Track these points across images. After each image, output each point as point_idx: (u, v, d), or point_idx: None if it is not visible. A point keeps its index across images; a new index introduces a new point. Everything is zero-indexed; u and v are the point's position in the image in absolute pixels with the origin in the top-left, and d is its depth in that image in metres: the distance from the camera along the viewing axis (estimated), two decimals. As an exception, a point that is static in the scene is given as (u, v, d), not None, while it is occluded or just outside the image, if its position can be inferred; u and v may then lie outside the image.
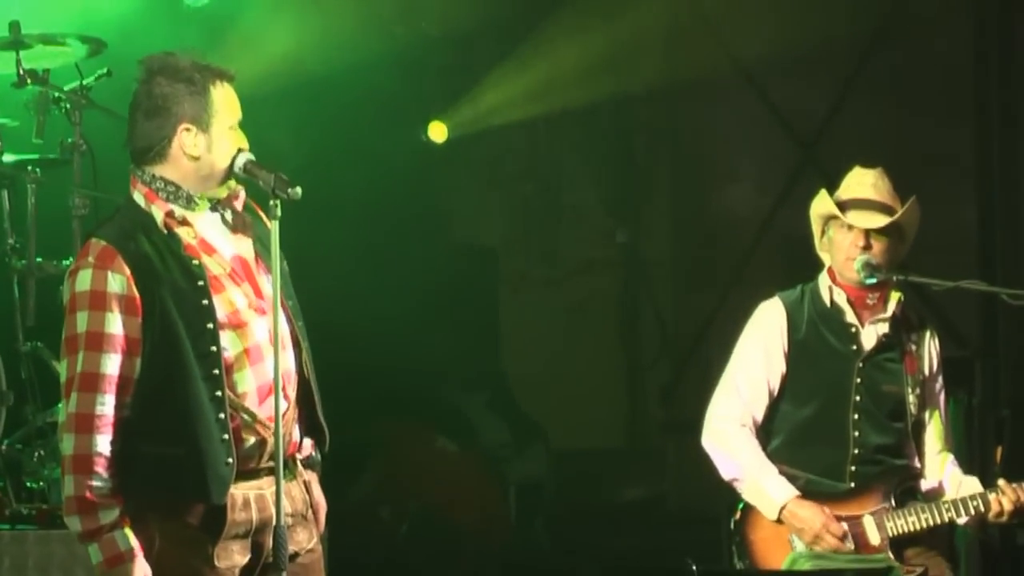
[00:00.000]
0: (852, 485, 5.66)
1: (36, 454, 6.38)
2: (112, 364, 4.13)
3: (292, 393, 4.31)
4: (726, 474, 5.74)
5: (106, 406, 4.12)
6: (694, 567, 5.36)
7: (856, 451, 5.68)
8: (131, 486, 4.15)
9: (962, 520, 5.64)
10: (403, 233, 8.97)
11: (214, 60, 4.33)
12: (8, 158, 6.61)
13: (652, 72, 9.28)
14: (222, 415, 4.15)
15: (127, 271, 4.15)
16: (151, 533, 4.17)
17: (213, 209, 4.32)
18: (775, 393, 5.76)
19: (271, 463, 4.19)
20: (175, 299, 4.16)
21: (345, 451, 4.58)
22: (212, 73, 4.27)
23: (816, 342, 5.74)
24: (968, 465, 6.07)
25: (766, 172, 9.35)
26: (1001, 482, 5.62)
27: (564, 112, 9.24)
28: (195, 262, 4.21)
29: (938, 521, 5.59)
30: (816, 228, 5.81)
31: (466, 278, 9.48)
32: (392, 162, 8.79)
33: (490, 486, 9.17)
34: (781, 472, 5.66)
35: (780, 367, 5.75)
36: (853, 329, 5.73)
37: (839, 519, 5.58)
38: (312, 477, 4.42)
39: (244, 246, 4.34)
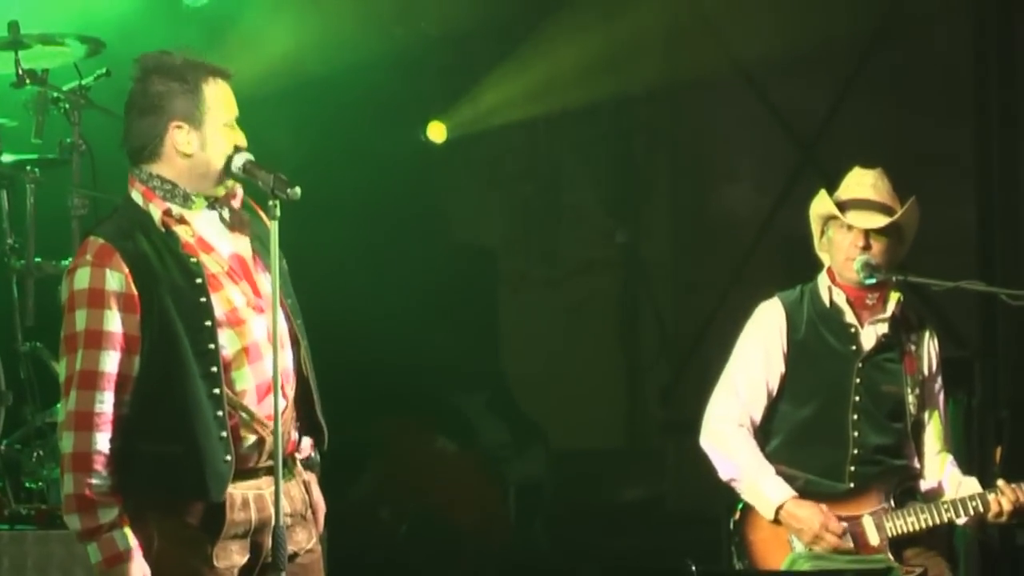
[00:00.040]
0: (851, 485, 5.66)
1: (35, 454, 6.38)
2: (111, 362, 4.13)
3: (290, 392, 4.31)
4: (724, 474, 5.74)
5: (105, 404, 4.13)
6: (693, 568, 5.36)
7: (855, 451, 5.68)
8: (130, 484, 4.15)
9: (961, 520, 5.64)
10: (402, 233, 8.96)
11: (213, 60, 4.33)
12: (7, 158, 6.61)
13: (652, 72, 9.28)
14: (220, 412, 4.15)
15: (125, 269, 4.15)
16: (150, 532, 4.17)
17: (211, 208, 4.32)
18: (774, 393, 5.76)
19: (270, 462, 4.19)
20: (173, 297, 4.16)
21: (345, 451, 4.58)
22: (205, 70, 4.26)
23: (815, 342, 5.74)
24: (967, 465, 6.07)
25: (766, 172, 9.35)
26: (1000, 482, 5.62)
27: (564, 112, 9.23)
28: (193, 260, 4.21)
29: (937, 521, 5.60)
30: (815, 228, 5.81)
31: (466, 278, 9.47)
32: (391, 162, 8.78)
33: (490, 486, 9.17)
34: (780, 472, 5.66)
35: (779, 367, 5.75)
36: (852, 329, 5.73)
37: (837, 519, 5.58)
38: (311, 478, 4.42)
39: (242, 244, 4.34)
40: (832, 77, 9.14)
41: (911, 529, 5.60)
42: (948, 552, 5.78)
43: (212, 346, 4.17)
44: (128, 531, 4.14)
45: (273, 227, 4.19)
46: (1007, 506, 5.57)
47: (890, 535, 5.59)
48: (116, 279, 4.15)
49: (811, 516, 5.57)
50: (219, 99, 4.26)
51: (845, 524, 5.58)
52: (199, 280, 4.19)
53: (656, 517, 9.14)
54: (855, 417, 5.70)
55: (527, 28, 9.05)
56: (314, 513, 4.40)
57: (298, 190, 4.19)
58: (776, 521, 5.63)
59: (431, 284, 9.08)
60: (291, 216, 4.25)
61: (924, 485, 5.79)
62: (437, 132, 9.11)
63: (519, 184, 9.66)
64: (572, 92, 9.13)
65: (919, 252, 5.84)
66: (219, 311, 4.20)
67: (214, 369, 4.16)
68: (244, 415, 4.21)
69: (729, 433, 5.72)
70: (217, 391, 4.16)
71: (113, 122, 4.36)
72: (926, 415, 5.82)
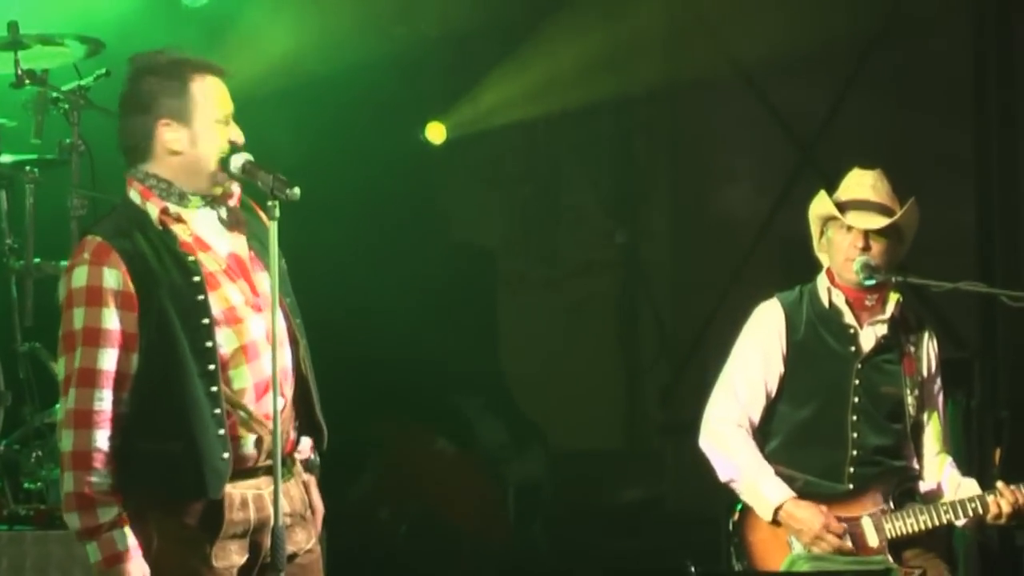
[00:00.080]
0: (851, 486, 5.66)
1: (34, 455, 6.38)
2: (109, 360, 4.14)
3: (289, 391, 4.32)
4: (723, 475, 5.74)
5: (104, 402, 4.13)
6: (693, 568, 5.36)
7: (855, 452, 5.68)
8: (129, 483, 4.15)
9: (960, 522, 5.64)
10: (402, 233, 8.96)
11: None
12: (6, 158, 6.61)
13: (651, 73, 9.28)
14: (218, 410, 4.16)
15: (123, 267, 4.16)
16: (149, 532, 4.17)
17: (209, 207, 4.32)
18: (773, 394, 5.76)
19: (269, 462, 4.19)
20: (171, 295, 4.17)
21: (344, 451, 4.58)
22: (192, 67, 4.26)
23: (814, 343, 5.74)
24: (967, 467, 6.07)
25: (765, 173, 9.34)
26: (1000, 484, 5.62)
27: (563, 113, 9.23)
28: (190, 258, 4.22)
29: (937, 523, 5.59)
30: (815, 229, 5.81)
31: (465, 279, 9.48)
32: (391, 162, 8.78)
33: (489, 487, 9.17)
34: (779, 473, 5.65)
35: (778, 368, 5.75)
36: (852, 330, 5.73)
37: (837, 520, 5.58)
38: (311, 480, 4.42)
39: (239, 244, 4.35)
40: (832, 78, 9.14)
41: (910, 530, 5.60)
42: (947, 554, 5.78)
43: (210, 344, 4.17)
44: (128, 530, 4.14)
45: (272, 227, 4.19)
46: (1006, 508, 5.57)
47: (889, 536, 5.59)
48: (114, 277, 4.15)
49: (811, 517, 5.57)
50: (209, 95, 4.26)
51: (844, 525, 5.58)
52: (196, 278, 4.20)
53: (655, 518, 9.14)
54: (854, 418, 5.69)
55: (527, 28, 9.05)
56: (313, 515, 4.40)
57: (297, 190, 4.19)
58: (775, 522, 5.62)
59: (430, 285, 9.08)
60: (290, 216, 4.25)
61: (923, 486, 5.79)
62: (436, 133, 9.11)
63: (518, 185, 9.66)
64: (572, 93, 9.13)
65: (918, 253, 5.84)
66: (216, 309, 4.20)
67: (211, 367, 4.16)
68: (242, 414, 4.21)
69: (728, 434, 5.72)
70: (215, 389, 4.16)
71: (112, 122, 4.36)
72: (925, 416, 5.82)
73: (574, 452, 9.31)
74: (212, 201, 4.32)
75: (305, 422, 4.38)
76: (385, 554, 8.63)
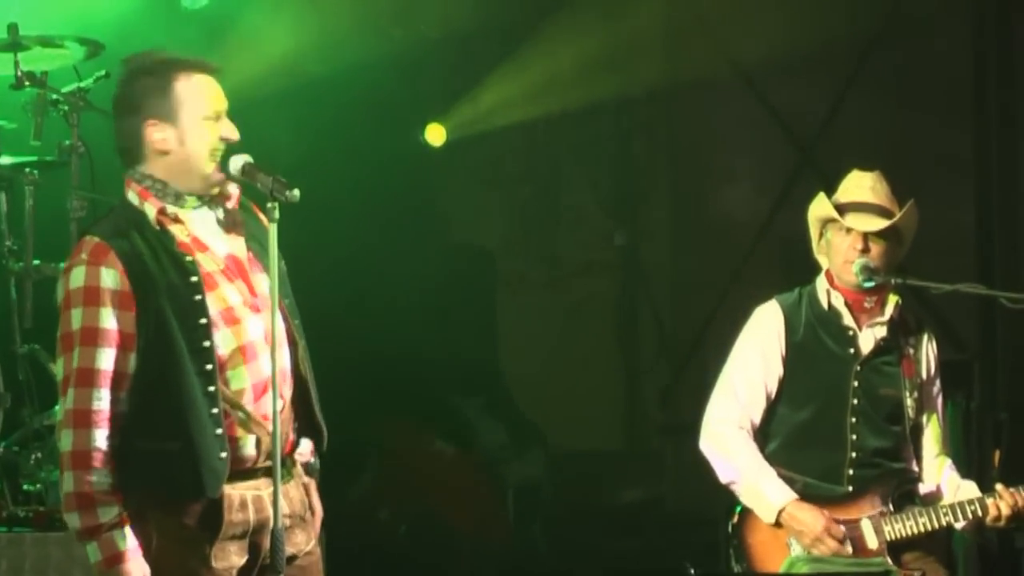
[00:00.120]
0: (850, 488, 5.66)
1: (33, 456, 6.38)
2: (107, 359, 4.14)
3: (288, 392, 4.32)
4: (724, 477, 5.74)
5: (103, 401, 4.14)
6: (692, 570, 5.37)
7: (854, 454, 5.68)
8: (127, 482, 4.15)
9: (960, 524, 5.64)
10: (401, 234, 8.97)
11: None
12: (6, 160, 6.62)
13: (651, 74, 9.28)
14: (215, 410, 4.16)
15: (120, 266, 4.16)
16: (149, 532, 4.18)
17: (207, 208, 4.32)
18: (772, 396, 5.76)
19: (268, 463, 4.20)
20: (168, 294, 4.17)
21: (344, 452, 4.58)
22: (178, 66, 4.27)
23: (814, 345, 5.74)
24: (966, 469, 6.08)
25: (765, 173, 9.35)
26: (999, 486, 5.61)
27: (563, 114, 9.24)
28: (188, 258, 4.22)
29: (936, 525, 5.59)
30: (814, 231, 5.80)
31: (464, 279, 9.48)
32: (390, 163, 8.79)
33: (488, 488, 9.17)
34: (778, 475, 5.65)
35: (777, 370, 5.75)
36: (851, 332, 5.73)
37: (837, 523, 5.58)
38: (310, 483, 4.42)
39: (237, 245, 4.35)
40: (831, 78, 9.14)
41: (909, 533, 5.59)
42: (946, 556, 5.78)
43: (207, 344, 4.18)
44: (128, 530, 4.15)
45: (272, 229, 4.20)
46: (1006, 510, 5.56)
47: (888, 539, 5.59)
48: (111, 277, 4.16)
49: (813, 519, 5.57)
50: (196, 93, 4.26)
51: (844, 529, 5.58)
52: (194, 278, 4.20)
53: (655, 519, 9.14)
54: (853, 420, 5.69)
55: (526, 29, 9.05)
56: (312, 517, 4.40)
57: (297, 192, 4.20)
58: (777, 524, 5.62)
59: (430, 285, 9.09)
60: (290, 217, 4.25)
61: (923, 488, 5.78)
62: (435, 135, 9.11)
63: (518, 185, 9.66)
64: (571, 93, 9.13)
65: (918, 255, 5.84)
66: (214, 310, 4.21)
67: (209, 367, 4.17)
68: (241, 414, 4.21)
69: (729, 435, 5.72)
70: (212, 389, 4.16)
71: (111, 124, 4.36)
72: (924, 418, 5.82)
73: (574, 452, 9.31)
74: (209, 202, 4.32)
75: (304, 423, 4.38)
76: (384, 554, 8.63)
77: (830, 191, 5.79)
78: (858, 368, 5.70)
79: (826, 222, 5.75)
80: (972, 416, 7.84)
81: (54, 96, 6.46)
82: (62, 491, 4.17)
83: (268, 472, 4.19)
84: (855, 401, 5.69)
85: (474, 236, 9.64)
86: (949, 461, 5.84)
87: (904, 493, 5.69)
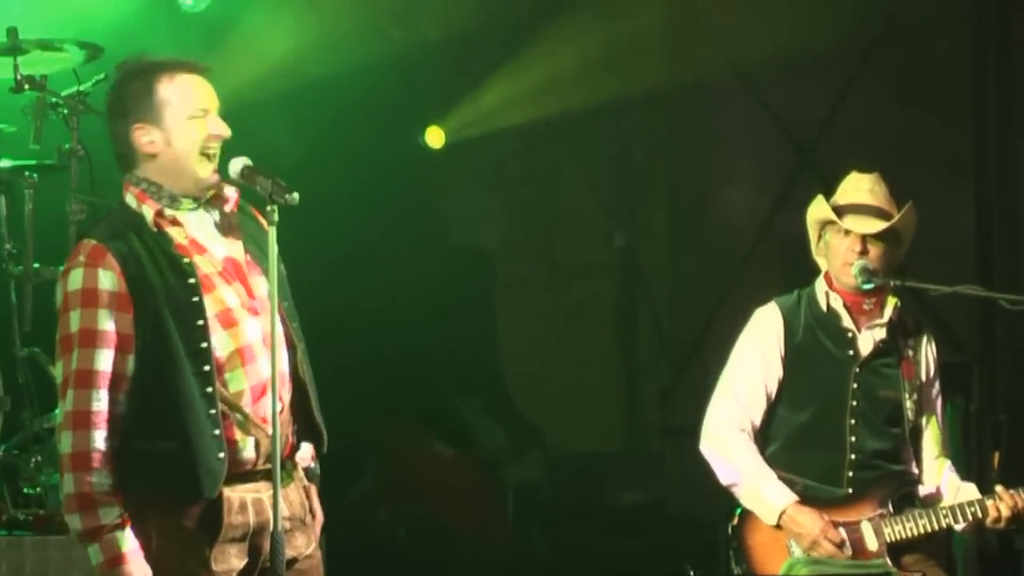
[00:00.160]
0: (850, 490, 5.66)
1: (33, 460, 6.38)
2: (106, 360, 4.15)
3: (286, 395, 4.32)
4: (724, 479, 5.74)
5: (102, 402, 4.15)
6: (692, 572, 5.37)
7: (853, 456, 5.68)
8: (126, 484, 4.16)
9: (960, 526, 5.63)
10: (401, 236, 8.97)
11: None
12: (5, 163, 6.61)
13: (650, 76, 9.28)
14: (213, 411, 4.17)
15: (117, 268, 4.17)
16: (149, 534, 4.18)
17: (205, 210, 4.33)
18: (772, 398, 5.76)
19: (268, 466, 4.20)
20: (166, 296, 4.18)
21: (343, 454, 4.58)
22: (161, 68, 4.28)
23: (813, 347, 5.74)
24: (966, 471, 6.07)
25: (764, 176, 9.35)
26: (999, 488, 5.61)
27: (562, 115, 9.24)
28: (186, 260, 4.23)
29: (936, 527, 5.59)
30: (812, 233, 5.80)
31: (464, 281, 9.48)
32: (390, 165, 8.79)
33: (488, 490, 9.17)
34: (779, 477, 5.65)
35: (777, 372, 5.75)
36: (850, 334, 5.73)
37: (836, 525, 5.58)
38: (311, 488, 4.42)
39: (236, 247, 4.35)
40: (831, 80, 9.14)
41: (909, 535, 5.59)
42: (946, 558, 5.78)
43: (204, 345, 4.18)
44: (129, 532, 4.15)
45: (271, 232, 4.20)
46: (1005, 512, 5.56)
47: (888, 540, 5.59)
48: (108, 278, 4.17)
49: (812, 522, 5.57)
50: (179, 93, 4.27)
51: (844, 534, 5.58)
52: (191, 280, 4.21)
53: (654, 521, 9.14)
54: (853, 422, 5.69)
55: (526, 31, 9.05)
56: (312, 521, 4.40)
57: (296, 195, 4.20)
58: (777, 526, 5.62)
59: (429, 287, 9.09)
60: (290, 219, 4.25)
61: (922, 490, 5.78)
62: (435, 137, 9.12)
63: (518, 187, 9.67)
64: (571, 95, 9.13)
65: (917, 256, 5.84)
66: (211, 311, 4.22)
67: (207, 368, 4.17)
68: (239, 416, 4.22)
69: (730, 438, 5.72)
70: (210, 389, 4.17)
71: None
72: (924, 420, 5.82)
73: (573, 454, 9.32)
74: (206, 204, 4.33)
75: (303, 426, 4.38)
76: (384, 556, 8.63)
77: (829, 193, 5.79)
78: (857, 370, 5.70)
79: (825, 224, 5.75)
80: (971, 418, 7.85)
81: (54, 99, 6.46)
82: (63, 493, 4.17)
83: (268, 475, 4.19)
84: (854, 403, 5.69)
85: (474, 238, 9.64)
86: (949, 463, 5.84)
87: (904, 495, 5.69)
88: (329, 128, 8.18)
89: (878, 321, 5.74)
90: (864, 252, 5.65)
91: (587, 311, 9.61)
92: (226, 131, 4.30)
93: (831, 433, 5.70)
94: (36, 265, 6.51)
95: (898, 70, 8.95)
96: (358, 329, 8.39)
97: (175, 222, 4.27)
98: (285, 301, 4.35)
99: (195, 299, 4.20)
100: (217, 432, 4.16)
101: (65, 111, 6.45)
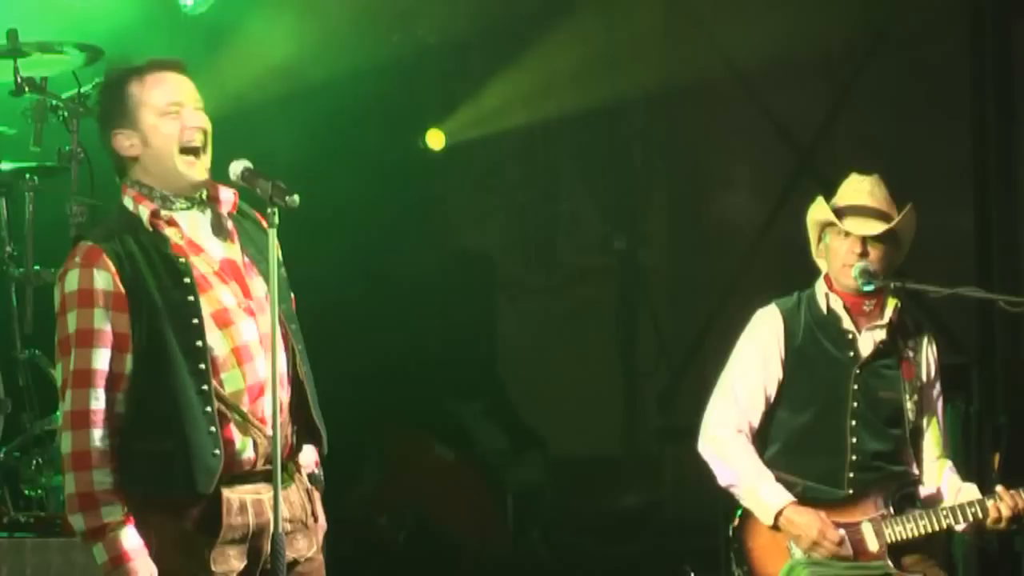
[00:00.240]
0: (850, 492, 5.65)
1: (34, 462, 6.38)
2: (103, 359, 4.16)
3: (285, 396, 4.31)
4: (723, 480, 5.74)
5: (100, 401, 4.16)
6: (692, 574, 5.37)
7: (854, 457, 5.67)
8: (125, 484, 4.16)
9: (960, 527, 5.63)
10: (400, 240, 8.97)
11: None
12: (6, 166, 6.61)
13: (649, 79, 9.29)
14: (209, 408, 4.17)
15: (112, 268, 4.19)
16: (148, 535, 4.18)
17: (201, 211, 4.35)
18: (772, 400, 5.76)
19: (268, 467, 4.20)
20: (161, 295, 4.20)
21: (343, 458, 4.58)
22: (130, 71, 4.32)
23: (813, 349, 5.74)
24: (966, 472, 6.07)
25: (763, 179, 9.36)
26: (999, 488, 5.61)
27: (561, 119, 9.25)
28: (181, 260, 4.25)
29: (936, 528, 5.59)
30: (812, 235, 5.80)
31: (463, 285, 9.49)
32: (389, 169, 8.79)
33: (487, 493, 9.17)
34: (779, 479, 5.65)
35: (777, 374, 5.75)
36: (850, 336, 5.73)
37: (837, 526, 5.58)
38: (315, 494, 4.42)
39: (233, 248, 4.37)
40: (829, 84, 9.15)
41: (910, 535, 5.59)
42: (946, 559, 5.78)
43: (199, 344, 4.19)
44: (133, 529, 4.15)
45: (271, 234, 4.21)
46: (1006, 512, 5.56)
47: (889, 541, 5.59)
48: (103, 278, 4.18)
49: (809, 522, 5.57)
50: (148, 92, 4.30)
51: (843, 533, 5.58)
52: (187, 280, 4.22)
53: (654, 524, 9.15)
54: (853, 423, 5.69)
55: (525, 35, 9.06)
56: (315, 525, 4.40)
57: (296, 198, 4.21)
58: (775, 527, 5.62)
59: (428, 291, 9.10)
60: (289, 223, 4.26)
61: (923, 491, 5.78)
62: (435, 139, 9.12)
63: (517, 190, 9.67)
64: (570, 99, 9.14)
65: (917, 258, 5.84)
66: (207, 311, 4.23)
67: (202, 366, 4.18)
68: (237, 416, 4.22)
69: (728, 439, 5.72)
70: (205, 388, 4.18)
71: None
72: (924, 421, 5.82)
73: (573, 458, 9.32)
74: (200, 204, 4.35)
75: (303, 427, 4.38)
76: (384, 561, 8.63)
77: (829, 195, 5.79)
78: (857, 371, 5.70)
79: (825, 226, 5.75)
80: (972, 419, 7.84)
81: (54, 102, 6.46)
82: (65, 493, 4.18)
83: (268, 476, 4.19)
84: (855, 404, 5.69)
85: (473, 240, 9.65)
86: (949, 463, 5.84)
87: (904, 496, 5.68)
88: (329, 131, 8.18)
89: (878, 322, 5.74)
90: (864, 254, 5.65)
91: (586, 314, 9.61)
92: (202, 122, 4.32)
93: (831, 434, 5.70)
94: (37, 267, 6.51)
95: (897, 73, 8.95)
96: (358, 332, 8.39)
97: (171, 222, 4.29)
98: (284, 303, 4.35)
99: (190, 298, 4.21)
100: (213, 430, 4.16)
101: (65, 114, 6.46)
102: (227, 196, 4.36)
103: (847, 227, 5.66)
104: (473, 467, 9.21)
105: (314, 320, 4.57)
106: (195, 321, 4.19)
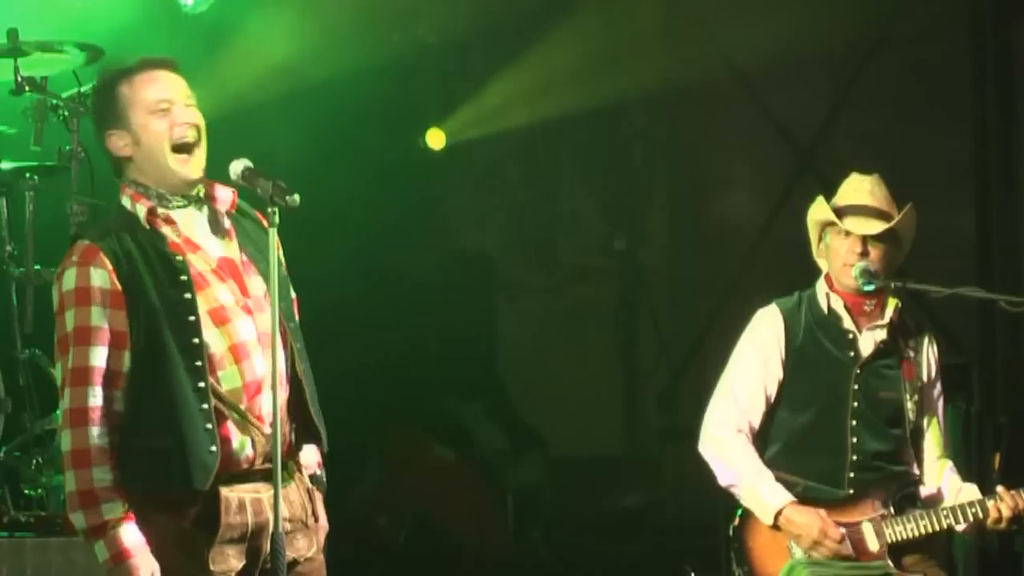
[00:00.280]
0: (850, 492, 5.65)
1: (34, 461, 6.38)
2: (100, 357, 4.17)
3: (283, 394, 4.31)
4: (723, 480, 5.73)
5: (98, 398, 4.16)
6: (692, 574, 5.36)
7: (854, 457, 5.67)
8: (124, 482, 4.16)
9: (961, 527, 5.63)
10: (400, 240, 8.97)
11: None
12: (6, 165, 6.61)
13: (650, 79, 9.29)
14: (205, 405, 4.17)
15: (109, 265, 4.20)
16: (147, 534, 4.18)
17: (198, 209, 4.35)
18: (772, 400, 5.75)
19: (267, 466, 4.20)
20: (158, 293, 4.20)
21: (343, 458, 4.58)
22: (120, 72, 4.34)
23: (813, 349, 5.74)
24: (966, 472, 6.06)
25: (763, 179, 9.36)
26: (1000, 488, 5.61)
27: (562, 119, 9.25)
28: (178, 258, 4.25)
29: (937, 528, 5.58)
30: (813, 235, 5.80)
31: (463, 285, 9.49)
32: (390, 169, 8.79)
33: (488, 493, 9.17)
34: (779, 479, 5.65)
35: (777, 374, 5.74)
36: (850, 336, 5.72)
37: (838, 525, 5.58)
38: (317, 496, 4.42)
39: (231, 246, 4.37)
40: (830, 83, 9.15)
41: (910, 535, 5.59)
42: (946, 559, 5.78)
43: (196, 341, 4.19)
44: (134, 526, 4.15)
45: (272, 234, 4.21)
46: (1006, 512, 5.56)
47: (889, 541, 5.58)
48: (100, 276, 4.19)
49: (810, 522, 5.57)
50: (136, 92, 4.31)
51: (843, 530, 5.58)
52: (183, 277, 4.23)
53: (654, 524, 9.15)
54: (854, 423, 5.69)
55: (525, 35, 9.06)
56: (316, 525, 4.39)
57: (297, 197, 4.21)
58: (775, 526, 5.62)
59: (429, 291, 9.10)
60: (289, 222, 4.26)
61: (923, 491, 5.78)
62: (436, 139, 9.12)
63: (517, 190, 9.68)
64: (570, 98, 9.14)
65: (917, 258, 5.84)
66: (204, 308, 4.23)
67: (198, 363, 4.19)
68: (235, 414, 4.22)
69: (728, 439, 5.71)
70: (202, 385, 4.18)
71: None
72: (925, 421, 5.82)
73: (573, 458, 9.32)
74: (196, 202, 4.35)
75: (302, 425, 4.38)
76: (384, 561, 8.63)
77: (829, 194, 5.79)
78: (858, 371, 5.70)
79: (825, 226, 5.75)
80: (972, 419, 7.84)
81: (54, 101, 6.46)
82: (65, 491, 4.18)
83: (267, 475, 4.19)
84: (855, 404, 5.69)
85: (473, 241, 9.65)
86: (950, 463, 5.83)
87: (905, 496, 5.68)
88: (329, 130, 8.19)
89: (879, 322, 5.73)
90: (865, 253, 5.64)
91: (586, 314, 9.61)
92: (192, 118, 4.33)
93: (832, 434, 5.70)
94: (37, 267, 6.51)
95: (898, 73, 8.96)
96: (358, 332, 8.39)
97: (169, 220, 4.30)
98: (282, 301, 4.35)
99: (187, 295, 4.22)
100: (209, 426, 4.16)
101: (65, 113, 6.45)
102: (225, 195, 4.36)
103: (847, 227, 5.66)
104: (473, 467, 9.21)
105: (314, 320, 4.57)
106: (191, 318, 4.20)
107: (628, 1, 9.24)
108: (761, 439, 5.75)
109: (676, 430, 8.86)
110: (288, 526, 4.26)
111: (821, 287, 5.78)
